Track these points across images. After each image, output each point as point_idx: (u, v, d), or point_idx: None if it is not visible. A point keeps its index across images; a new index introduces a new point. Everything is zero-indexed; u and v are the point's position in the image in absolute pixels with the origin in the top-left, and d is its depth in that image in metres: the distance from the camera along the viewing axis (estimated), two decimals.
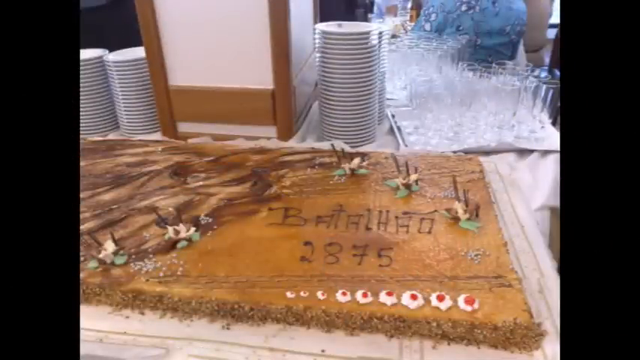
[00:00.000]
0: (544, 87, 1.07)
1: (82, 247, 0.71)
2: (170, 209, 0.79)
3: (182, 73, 1.07)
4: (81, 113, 1.15)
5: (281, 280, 0.63)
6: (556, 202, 0.87)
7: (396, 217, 0.76)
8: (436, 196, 0.81)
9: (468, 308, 0.56)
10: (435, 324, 0.56)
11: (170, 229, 0.71)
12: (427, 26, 1.94)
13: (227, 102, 1.07)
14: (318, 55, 1.06)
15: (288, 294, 0.60)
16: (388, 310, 0.57)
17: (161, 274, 0.65)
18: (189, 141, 1.09)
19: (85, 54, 1.16)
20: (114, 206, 0.82)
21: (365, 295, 0.59)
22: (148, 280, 0.64)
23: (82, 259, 0.68)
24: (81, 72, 1.12)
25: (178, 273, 0.65)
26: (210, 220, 0.77)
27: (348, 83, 1.03)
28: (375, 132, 1.12)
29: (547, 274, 0.66)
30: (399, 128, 1.17)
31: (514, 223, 0.76)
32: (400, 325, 0.57)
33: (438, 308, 0.57)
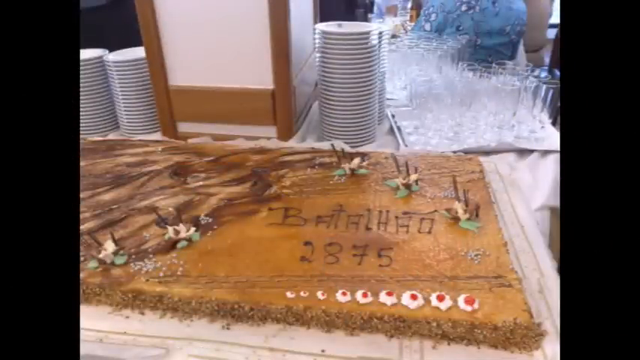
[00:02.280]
0: (544, 87, 1.07)
1: (82, 247, 0.70)
2: (170, 209, 0.79)
3: (182, 73, 1.07)
4: (81, 113, 1.15)
5: (281, 280, 0.63)
6: (556, 202, 0.87)
7: (396, 217, 0.76)
8: (436, 196, 0.81)
9: (468, 308, 0.56)
10: (435, 324, 0.56)
11: (170, 229, 0.71)
12: (427, 26, 1.94)
13: (227, 102, 1.07)
14: (318, 55, 1.06)
15: (288, 294, 0.60)
16: (388, 310, 0.57)
17: (161, 274, 0.65)
18: (189, 141, 1.09)
19: (85, 54, 1.16)
20: (114, 206, 0.82)
21: (365, 295, 0.59)
22: (148, 280, 0.64)
23: (82, 259, 0.68)
24: (81, 72, 1.12)
25: (178, 273, 0.65)
26: (210, 220, 0.77)
27: (348, 83, 1.03)
28: (375, 132, 1.12)
29: (547, 274, 0.66)
30: (399, 128, 1.17)
31: (514, 223, 0.76)
32: (400, 325, 0.57)
33: (438, 308, 0.57)
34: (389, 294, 0.58)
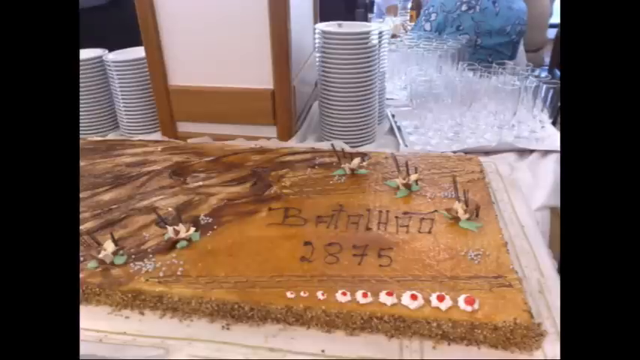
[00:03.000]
0: (544, 87, 1.07)
1: (82, 247, 0.70)
2: (170, 209, 0.79)
3: (182, 73, 1.07)
4: (81, 113, 1.14)
5: (281, 280, 0.63)
6: (556, 202, 0.87)
7: (396, 217, 0.76)
8: (436, 196, 0.81)
9: (468, 308, 0.56)
10: (435, 324, 0.56)
11: (170, 229, 0.71)
12: (427, 26, 1.94)
13: (227, 102, 1.07)
14: (318, 55, 1.06)
15: (288, 294, 0.60)
16: (388, 310, 0.57)
17: (161, 274, 0.65)
18: (189, 141, 1.09)
19: (85, 54, 1.16)
20: (114, 206, 0.82)
21: (365, 295, 0.59)
22: (147, 280, 0.64)
23: (82, 259, 0.68)
24: (81, 72, 1.11)
25: (178, 273, 0.65)
26: (210, 220, 0.77)
27: (348, 83, 1.03)
28: (375, 132, 1.12)
29: (547, 274, 0.66)
30: (399, 128, 1.17)
31: (514, 223, 0.76)
32: (400, 325, 0.57)
33: (438, 308, 0.57)
34: (389, 294, 0.58)
